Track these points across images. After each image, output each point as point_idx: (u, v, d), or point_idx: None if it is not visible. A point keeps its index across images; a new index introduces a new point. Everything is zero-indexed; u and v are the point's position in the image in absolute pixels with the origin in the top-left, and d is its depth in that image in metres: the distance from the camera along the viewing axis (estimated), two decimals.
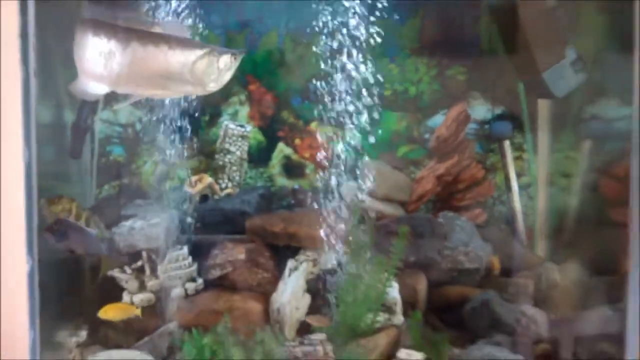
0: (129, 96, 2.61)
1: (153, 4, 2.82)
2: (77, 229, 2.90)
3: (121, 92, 2.58)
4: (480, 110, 3.44)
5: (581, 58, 3.06)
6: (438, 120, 3.41)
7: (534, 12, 3.03)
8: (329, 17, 2.89)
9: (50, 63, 2.73)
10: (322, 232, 3.00)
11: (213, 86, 2.62)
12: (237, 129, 3.30)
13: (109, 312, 2.95)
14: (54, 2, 2.77)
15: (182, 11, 2.89)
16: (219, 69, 2.59)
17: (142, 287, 3.06)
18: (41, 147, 2.58)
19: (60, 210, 2.91)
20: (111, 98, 2.94)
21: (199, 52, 2.56)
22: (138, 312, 2.97)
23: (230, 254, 3.07)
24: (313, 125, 3.34)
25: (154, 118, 3.07)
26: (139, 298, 3.02)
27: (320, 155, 3.08)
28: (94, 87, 2.55)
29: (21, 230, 2.53)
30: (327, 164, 3.05)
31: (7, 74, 2.66)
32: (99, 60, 2.50)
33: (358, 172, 3.07)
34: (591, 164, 3.18)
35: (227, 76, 2.63)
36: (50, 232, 2.80)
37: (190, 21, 2.91)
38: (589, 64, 3.06)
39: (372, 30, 2.89)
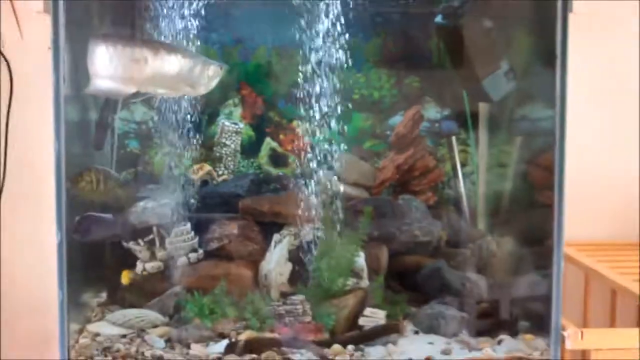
0: (143, 94, 2.78)
1: (163, 25, 2.95)
2: (98, 220, 3.02)
3: (144, 91, 2.75)
4: (432, 111, 3.46)
5: (512, 69, 3.11)
6: (397, 119, 3.43)
7: (474, 32, 3.09)
8: (308, 37, 2.96)
9: (78, 71, 2.82)
10: (301, 211, 3.08)
11: (203, 89, 2.82)
12: (232, 126, 3.33)
13: (125, 278, 3.09)
14: (81, 23, 2.87)
15: (187, 31, 2.98)
16: (208, 76, 2.79)
17: (152, 257, 3.11)
18: (70, 141, 2.67)
19: (85, 184, 2.98)
20: (127, 101, 3.12)
21: (196, 61, 2.76)
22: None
23: (226, 229, 3.12)
24: (295, 123, 3.35)
25: (164, 118, 3.13)
26: (150, 266, 3.09)
27: (301, 148, 3.18)
28: (123, 87, 2.73)
29: (52, 209, 2.62)
30: (306, 155, 3.13)
31: (41, 80, 2.75)
32: (132, 65, 2.70)
33: (331, 162, 3.14)
34: (522, 156, 3.22)
35: (214, 83, 2.83)
36: (77, 232, 2.93)
37: (193, 38, 2.98)
38: (519, 74, 3.12)
39: (342, 47, 2.97)
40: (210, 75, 2.84)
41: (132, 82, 2.75)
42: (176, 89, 2.83)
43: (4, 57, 3.53)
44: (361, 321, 2.94)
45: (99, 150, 3.24)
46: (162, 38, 2.96)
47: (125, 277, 3.09)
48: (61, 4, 2.57)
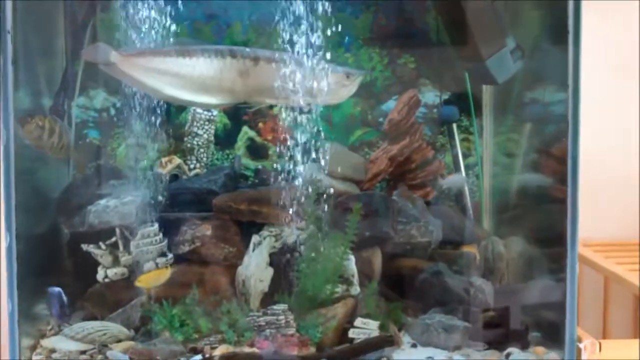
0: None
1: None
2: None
3: (250, 102, 2.95)
4: (430, 95, 3.48)
5: (520, 47, 3.11)
6: (390, 105, 3.44)
7: (477, 5, 3.07)
8: (289, 11, 2.92)
9: (30, 54, 2.84)
10: (283, 209, 3.05)
11: (329, 99, 2.92)
12: (205, 114, 3.32)
13: (143, 281, 3.05)
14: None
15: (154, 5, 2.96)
16: (329, 84, 2.86)
17: (115, 262, 3.09)
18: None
19: (34, 128, 2.95)
20: (87, 86, 3.13)
21: (311, 70, 2.84)
22: (168, 271, 3.05)
23: (198, 230, 3.11)
24: (275, 110, 3.34)
25: (128, 104, 3.09)
26: (112, 272, 3.07)
27: (282, 137, 3.11)
28: (225, 100, 2.95)
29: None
30: (288, 145, 3.07)
31: None
32: (235, 77, 2.87)
33: (317, 153, 3.10)
34: (531, 145, 3.22)
35: (344, 92, 2.94)
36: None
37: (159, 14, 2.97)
38: (527, 52, 3.12)
39: (329, 23, 2.93)
40: (334, 84, 2.91)
41: (233, 94, 2.92)
42: (288, 98, 2.91)
43: None
44: (351, 333, 2.93)
45: None
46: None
47: (141, 282, 3.05)
48: None
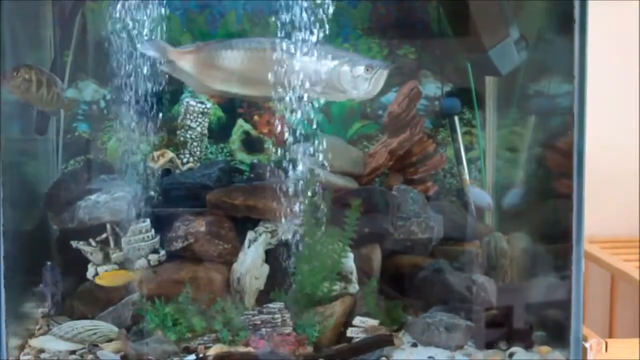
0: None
1: None
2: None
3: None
4: (431, 87, 3.47)
5: (523, 37, 3.11)
6: (390, 97, 3.42)
7: None
8: (285, 0, 2.91)
9: (16, 44, 2.85)
10: (279, 205, 3.03)
11: (356, 93, 2.87)
12: (198, 106, 3.31)
13: (104, 279, 3.04)
14: None
15: None
16: (353, 77, 2.83)
17: (106, 259, 3.09)
18: (8, 125, 2.70)
19: (21, 82, 2.90)
20: (76, 77, 3.11)
21: (335, 62, 2.84)
22: (133, 275, 3.04)
23: (192, 226, 3.10)
24: (271, 102, 3.24)
25: (119, 96, 3.08)
26: (103, 269, 3.06)
27: (278, 130, 3.12)
28: (266, 92, 2.93)
29: None
30: (284, 139, 3.06)
31: None
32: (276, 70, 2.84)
33: (314, 147, 3.08)
34: (536, 139, 3.22)
35: (367, 86, 2.87)
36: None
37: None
38: (531, 43, 3.12)
39: (326, 12, 2.89)
40: (356, 77, 2.87)
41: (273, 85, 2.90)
42: (314, 92, 2.90)
43: None
44: (350, 332, 2.94)
45: (41, 135, 3.23)
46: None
47: (102, 279, 3.05)
48: None
